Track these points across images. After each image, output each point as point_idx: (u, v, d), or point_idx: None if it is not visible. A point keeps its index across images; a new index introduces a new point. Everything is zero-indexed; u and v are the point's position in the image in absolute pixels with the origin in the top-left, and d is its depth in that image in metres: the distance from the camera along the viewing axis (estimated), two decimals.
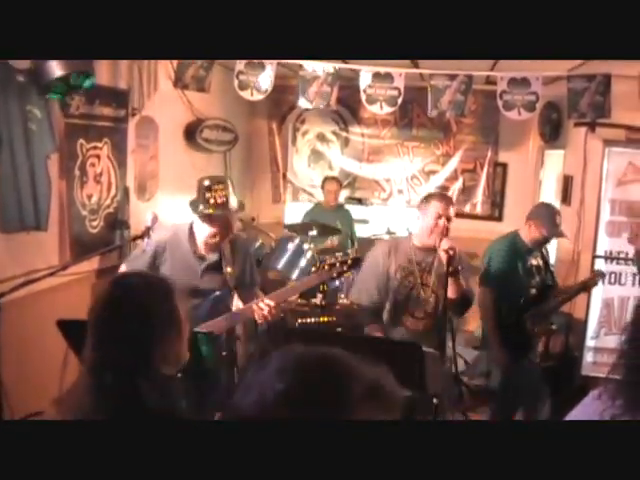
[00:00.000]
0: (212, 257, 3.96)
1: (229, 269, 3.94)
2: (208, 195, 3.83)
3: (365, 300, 4.35)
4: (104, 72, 5.37)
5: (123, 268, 4.01)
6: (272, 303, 3.75)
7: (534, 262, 5.14)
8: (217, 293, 3.93)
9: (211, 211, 3.79)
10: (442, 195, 4.56)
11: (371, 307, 4.33)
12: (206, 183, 3.85)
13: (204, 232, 3.88)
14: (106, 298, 2.13)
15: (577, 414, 1.64)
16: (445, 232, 4.16)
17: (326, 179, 8.05)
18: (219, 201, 3.82)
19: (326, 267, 3.97)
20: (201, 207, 3.82)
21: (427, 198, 4.40)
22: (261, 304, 3.76)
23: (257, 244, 6.78)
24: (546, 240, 5.10)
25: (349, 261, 4.00)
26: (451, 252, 3.87)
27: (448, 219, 4.18)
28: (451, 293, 3.97)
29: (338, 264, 3.96)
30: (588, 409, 1.59)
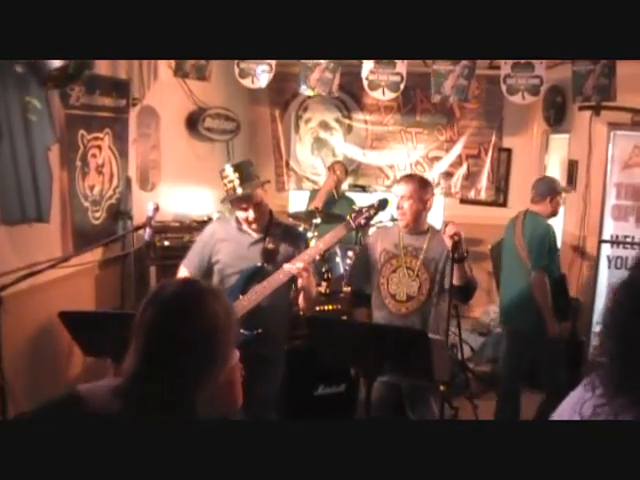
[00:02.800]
0: (257, 235, 4.04)
1: (271, 246, 3.98)
2: (223, 184, 3.99)
3: (355, 285, 4.42)
4: (103, 62, 5.32)
5: (182, 268, 4.16)
6: (301, 265, 3.77)
7: None
8: (252, 266, 3.97)
9: (224, 197, 4.00)
10: (407, 176, 4.52)
11: (360, 292, 4.43)
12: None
13: (240, 217, 4.00)
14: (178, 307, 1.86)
15: (563, 405, 1.62)
16: (405, 214, 4.23)
17: (335, 166, 7.91)
18: (229, 186, 3.93)
19: (353, 215, 3.96)
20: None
21: None
22: (287, 267, 3.80)
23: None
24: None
25: (375, 204, 3.98)
26: (456, 238, 3.83)
27: (408, 199, 4.21)
28: (456, 280, 3.94)
29: (364, 210, 3.97)
30: (572, 400, 1.57)
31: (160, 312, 1.83)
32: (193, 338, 1.80)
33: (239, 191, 3.89)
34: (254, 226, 3.98)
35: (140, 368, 1.80)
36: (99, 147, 5.39)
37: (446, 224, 3.96)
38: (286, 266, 3.81)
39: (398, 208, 4.23)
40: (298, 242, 4.13)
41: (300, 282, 3.82)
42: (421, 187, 4.25)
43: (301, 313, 4.29)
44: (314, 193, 7.85)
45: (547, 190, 5.30)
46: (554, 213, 5.38)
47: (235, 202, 3.96)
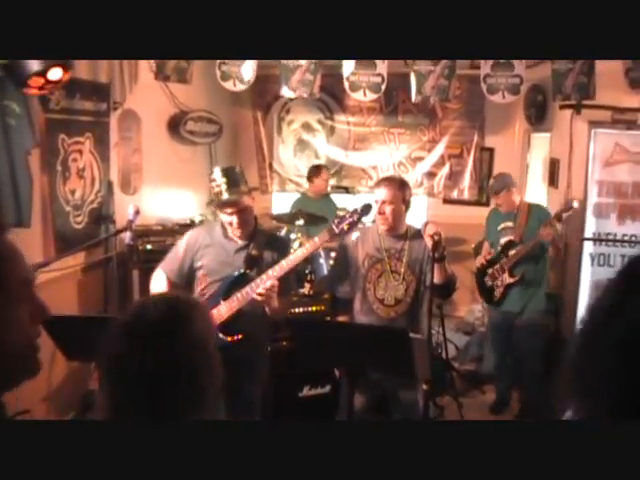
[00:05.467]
0: (242, 242, 4.04)
1: (255, 252, 3.98)
2: (210, 187, 4.02)
3: (337, 291, 4.44)
4: (83, 66, 5.31)
5: (159, 272, 4.14)
6: (270, 282, 3.78)
7: (507, 224, 5.84)
8: (235, 274, 3.97)
9: (210, 200, 4.00)
10: (386, 180, 4.45)
11: (343, 298, 4.40)
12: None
13: (225, 221, 3.99)
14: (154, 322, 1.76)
15: None
16: (388, 219, 4.21)
17: (319, 168, 7.93)
18: (216, 190, 3.94)
19: (336, 221, 3.97)
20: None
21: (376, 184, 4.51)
22: (258, 282, 3.81)
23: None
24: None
25: (359, 210, 3.98)
26: (436, 237, 3.82)
27: (390, 203, 4.19)
28: (437, 279, 3.94)
29: (348, 215, 3.96)
30: None
31: (140, 346, 1.71)
32: (184, 362, 1.74)
33: (225, 196, 3.90)
34: (238, 232, 3.98)
35: (125, 407, 1.72)
36: (80, 151, 5.37)
37: (426, 223, 3.97)
38: (250, 290, 3.82)
39: (380, 213, 4.21)
40: (282, 249, 4.13)
41: (261, 300, 3.83)
42: (401, 189, 4.23)
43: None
44: (304, 196, 7.83)
45: (508, 183, 5.89)
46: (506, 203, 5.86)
47: (221, 206, 3.96)
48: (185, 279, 4.08)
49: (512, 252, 5.71)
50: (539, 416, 5.42)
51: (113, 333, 1.78)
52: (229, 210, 3.91)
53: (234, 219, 3.90)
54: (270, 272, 3.82)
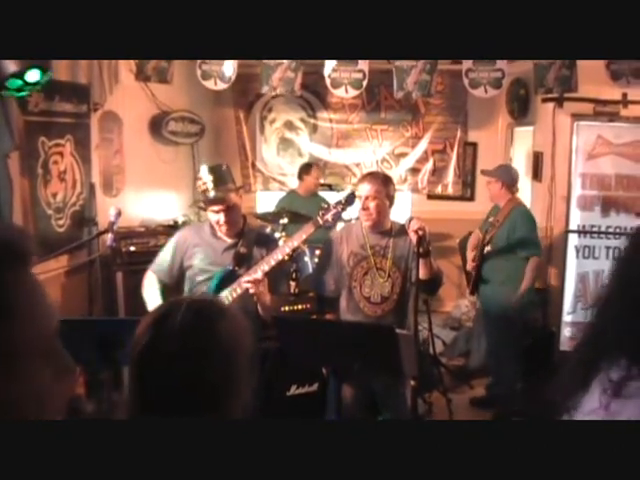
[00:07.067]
0: (231, 241, 4.04)
1: (243, 250, 3.98)
2: (197, 185, 4.05)
3: (322, 290, 4.42)
4: (62, 67, 5.25)
5: (149, 273, 4.13)
6: (259, 276, 3.78)
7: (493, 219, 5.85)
8: (224, 269, 3.97)
9: (196, 200, 4.01)
10: (369, 175, 4.44)
11: (329, 296, 4.39)
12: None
13: (212, 219, 3.98)
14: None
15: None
16: (372, 215, 4.18)
17: (310, 166, 7.89)
18: (202, 188, 3.95)
19: (321, 213, 3.96)
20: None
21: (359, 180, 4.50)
22: (246, 278, 3.81)
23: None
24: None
25: (343, 200, 3.98)
26: (420, 232, 3.79)
27: (374, 199, 4.17)
28: (422, 274, 3.92)
29: (332, 206, 3.96)
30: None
31: (164, 352, 1.66)
32: (214, 369, 1.69)
33: (212, 194, 3.89)
34: (225, 230, 3.96)
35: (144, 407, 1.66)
36: (61, 154, 5.32)
37: (410, 219, 3.94)
38: (243, 281, 3.82)
39: (364, 209, 4.18)
40: (271, 246, 4.10)
41: (253, 292, 3.82)
42: (384, 185, 4.21)
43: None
44: (292, 195, 7.78)
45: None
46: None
47: (208, 204, 3.95)
48: (175, 279, 4.07)
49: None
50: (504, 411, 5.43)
51: (138, 334, 1.71)
52: (216, 208, 3.90)
53: (221, 217, 3.89)
54: (258, 267, 3.81)
